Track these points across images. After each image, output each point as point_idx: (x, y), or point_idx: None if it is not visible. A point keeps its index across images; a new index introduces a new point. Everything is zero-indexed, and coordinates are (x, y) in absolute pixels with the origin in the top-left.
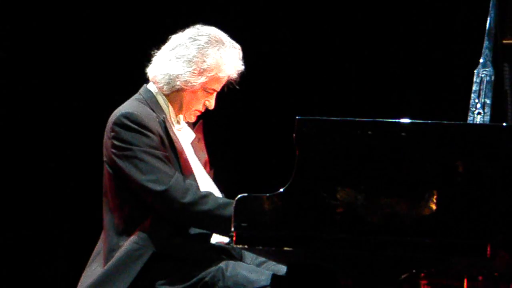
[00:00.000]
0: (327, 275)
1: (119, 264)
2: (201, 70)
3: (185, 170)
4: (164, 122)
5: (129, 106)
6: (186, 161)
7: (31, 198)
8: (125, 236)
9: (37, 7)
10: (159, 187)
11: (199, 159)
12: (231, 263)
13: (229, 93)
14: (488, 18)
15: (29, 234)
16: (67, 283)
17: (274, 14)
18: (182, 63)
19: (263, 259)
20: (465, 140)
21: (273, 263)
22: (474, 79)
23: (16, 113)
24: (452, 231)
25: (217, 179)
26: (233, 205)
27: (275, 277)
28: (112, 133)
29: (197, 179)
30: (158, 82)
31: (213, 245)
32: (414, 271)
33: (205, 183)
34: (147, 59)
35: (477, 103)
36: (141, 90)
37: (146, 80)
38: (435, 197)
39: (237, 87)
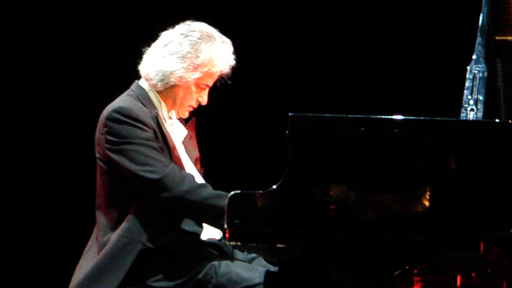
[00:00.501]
0: (319, 271)
1: (110, 258)
2: (195, 65)
3: (176, 163)
4: (156, 117)
5: (121, 101)
6: (177, 157)
7: (23, 196)
8: (112, 233)
9: (27, 5)
10: (154, 176)
11: (190, 157)
12: (224, 260)
13: (221, 90)
14: (481, 15)
15: (21, 233)
16: (59, 282)
17: (266, 10)
18: (176, 59)
19: (254, 254)
20: (458, 137)
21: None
22: (467, 76)
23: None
24: (445, 228)
25: (209, 177)
26: (226, 201)
27: (268, 274)
28: (105, 129)
29: (186, 171)
30: (151, 79)
31: (205, 241)
32: (407, 267)
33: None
34: (138, 57)
35: (470, 99)
36: (133, 86)
37: (138, 77)
38: (428, 193)
39: (229, 82)
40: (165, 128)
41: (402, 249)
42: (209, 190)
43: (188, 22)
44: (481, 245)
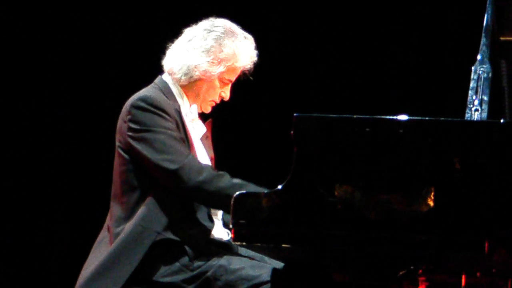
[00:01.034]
0: (324, 270)
1: (123, 247)
2: (219, 59)
3: None
4: (178, 111)
5: (146, 91)
6: (194, 154)
7: (25, 196)
8: (126, 223)
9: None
10: (173, 166)
11: (207, 155)
12: (233, 257)
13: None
14: (486, 15)
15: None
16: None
17: (271, 10)
18: (201, 53)
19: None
20: (462, 137)
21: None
22: (472, 76)
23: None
24: (450, 228)
25: None
26: (232, 201)
27: (275, 272)
28: (129, 116)
29: None
30: (175, 73)
31: (214, 239)
32: (412, 267)
33: None
34: (148, 57)
35: (474, 99)
36: (156, 80)
37: (161, 72)
38: (433, 193)
39: (251, 78)
40: (186, 123)
41: (407, 249)
42: (227, 179)
43: (211, 18)
44: (486, 245)
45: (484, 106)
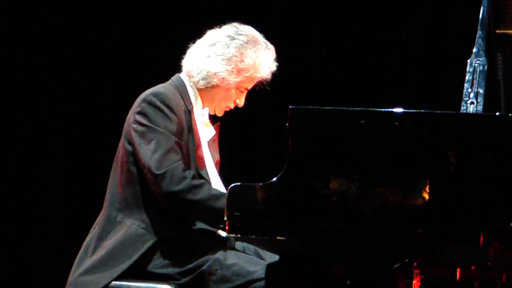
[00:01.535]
0: (319, 264)
1: (123, 246)
2: (239, 69)
3: (199, 163)
4: (190, 112)
5: (162, 87)
6: (200, 156)
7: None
8: (126, 212)
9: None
10: (157, 170)
11: (212, 158)
12: (229, 252)
13: None
14: (481, 8)
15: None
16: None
17: (264, 3)
18: (221, 61)
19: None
20: (458, 130)
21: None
22: (467, 69)
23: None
24: (445, 221)
25: (224, 180)
26: (226, 194)
27: (269, 268)
28: (138, 109)
29: (208, 174)
30: (193, 76)
31: (210, 232)
32: (407, 260)
33: (215, 181)
34: (147, 58)
35: (470, 92)
36: (174, 78)
37: (179, 70)
38: (428, 186)
39: (268, 87)
40: (196, 125)
41: (402, 242)
42: (206, 191)
43: (235, 24)
44: (481, 238)
45: (480, 99)
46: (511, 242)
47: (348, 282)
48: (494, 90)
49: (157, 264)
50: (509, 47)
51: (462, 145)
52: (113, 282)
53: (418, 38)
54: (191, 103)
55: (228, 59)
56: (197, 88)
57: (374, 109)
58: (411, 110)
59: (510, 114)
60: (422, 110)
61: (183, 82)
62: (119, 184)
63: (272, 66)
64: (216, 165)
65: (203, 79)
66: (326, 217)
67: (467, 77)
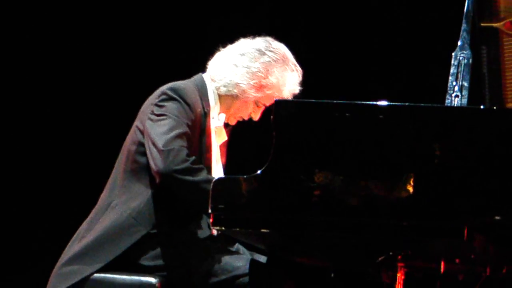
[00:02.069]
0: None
1: (110, 234)
2: (261, 85)
3: (207, 166)
4: (206, 114)
5: (182, 82)
6: (208, 158)
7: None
8: (122, 199)
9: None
10: (163, 147)
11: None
12: (216, 247)
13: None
14: (466, 1)
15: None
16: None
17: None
18: (245, 73)
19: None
20: (442, 123)
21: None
22: (452, 62)
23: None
24: (430, 214)
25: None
26: (211, 186)
27: (253, 263)
28: (157, 100)
29: (212, 174)
30: (215, 81)
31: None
32: (391, 253)
33: None
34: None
35: (454, 85)
36: (196, 76)
37: (203, 70)
38: (412, 179)
39: None
40: (210, 128)
41: (386, 235)
42: (203, 174)
43: (269, 38)
44: (465, 232)
45: (464, 92)
46: (495, 236)
47: (332, 275)
48: (478, 83)
49: (145, 256)
50: (494, 40)
51: (447, 138)
52: (97, 275)
53: (402, 31)
54: (208, 106)
55: (252, 73)
56: (218, 93)
57: (359, 102)
58: (395, 103)
59: (494, 107)
60: (407, 103)
61: (205, 83)
62: (122, 171)
63: (295, 89)
64: (222, 167)
65: (224, 86)
66: (310, 210)
67: (451, 70)
